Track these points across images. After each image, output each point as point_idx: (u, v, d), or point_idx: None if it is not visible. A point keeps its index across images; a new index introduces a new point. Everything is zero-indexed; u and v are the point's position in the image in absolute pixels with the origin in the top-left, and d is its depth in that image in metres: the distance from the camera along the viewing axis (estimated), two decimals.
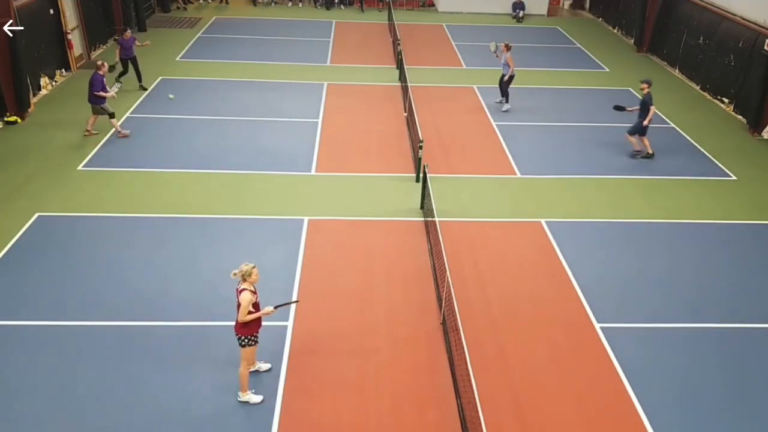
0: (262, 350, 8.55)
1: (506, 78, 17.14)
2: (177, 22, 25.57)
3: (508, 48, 17.03)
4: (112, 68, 16.48)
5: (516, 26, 27.39)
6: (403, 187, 13.10)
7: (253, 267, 7.41)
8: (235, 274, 7.41)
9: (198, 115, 16.34)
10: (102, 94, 14.50)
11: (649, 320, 9.52)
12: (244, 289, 7.39)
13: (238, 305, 7.37)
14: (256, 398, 7.85)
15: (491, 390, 8.11)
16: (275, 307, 7.59)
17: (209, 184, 12.93)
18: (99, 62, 14.80)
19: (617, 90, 19.44)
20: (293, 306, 9.51)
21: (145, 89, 17.83)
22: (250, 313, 7.37)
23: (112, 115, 14.74)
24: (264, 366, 8.30)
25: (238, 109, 16.80)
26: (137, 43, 17.90)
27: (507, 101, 17.40)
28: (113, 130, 14.86)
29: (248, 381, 7.81)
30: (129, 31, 17.89)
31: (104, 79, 14.61)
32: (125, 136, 14.80)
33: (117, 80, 17.68)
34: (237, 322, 7.49)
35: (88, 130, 14.86)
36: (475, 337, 8.94)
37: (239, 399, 7.83)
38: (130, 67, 17.81)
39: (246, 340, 7.58)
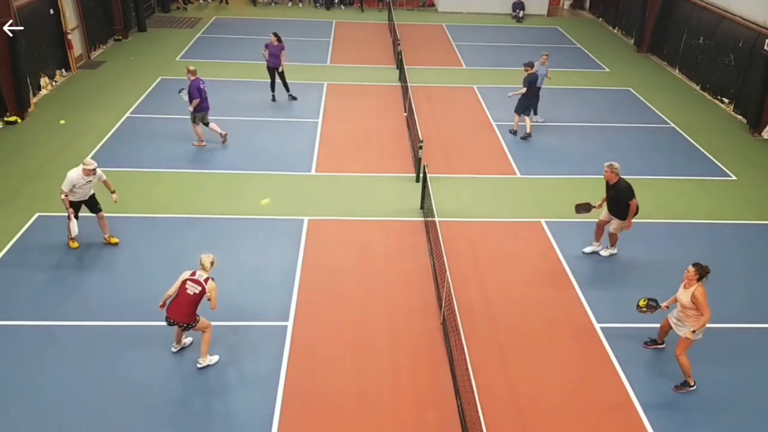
0: (261, 350, 8.59)
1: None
2: (177, 22, 25.58)
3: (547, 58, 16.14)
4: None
5: (516, 26, 27.40)
6: (403, 187, 13.10)
7: (213, 257, 8.20)
8: (205, 267, 8.09)
9: None
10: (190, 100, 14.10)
11: (649, 320, 9.51)
12: (209, 278, 8.07)
13: (196, 296, 7.94)
14: (214, 358, 8.37)
15: (491, 390, 8.11)
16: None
17: (209, 184, 12.92)
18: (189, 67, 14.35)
19: (617, 90, 19.44)
20: (293, 306, 9.51)
21: (294, 98, 17.55)
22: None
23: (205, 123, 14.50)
24: (187, 340, 8.74)
25: (238, 109, 16.80)
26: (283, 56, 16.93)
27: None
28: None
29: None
30: (274, 36, 16.92)
31: (201, 85, 14.10)
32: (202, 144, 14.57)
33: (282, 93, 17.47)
34: (188, 312, 7.97)
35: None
36: (475, 337, 8.94)
37: (199, 365, 8.28)
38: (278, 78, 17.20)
39: (198, 321, 8.13)
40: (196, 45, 22.56)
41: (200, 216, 11.78)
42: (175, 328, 8.26)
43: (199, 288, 7.87)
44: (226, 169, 13.54)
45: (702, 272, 8.05)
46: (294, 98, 17.61)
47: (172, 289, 8.01)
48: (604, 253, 11.05)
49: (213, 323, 9.00)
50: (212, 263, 8.08)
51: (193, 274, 7.97)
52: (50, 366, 8.26)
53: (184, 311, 7.92)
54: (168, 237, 11.11)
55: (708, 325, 9.46)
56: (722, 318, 9.62)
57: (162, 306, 8.11)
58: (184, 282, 7.95)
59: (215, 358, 8.35)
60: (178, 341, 8.51)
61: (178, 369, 8.30)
